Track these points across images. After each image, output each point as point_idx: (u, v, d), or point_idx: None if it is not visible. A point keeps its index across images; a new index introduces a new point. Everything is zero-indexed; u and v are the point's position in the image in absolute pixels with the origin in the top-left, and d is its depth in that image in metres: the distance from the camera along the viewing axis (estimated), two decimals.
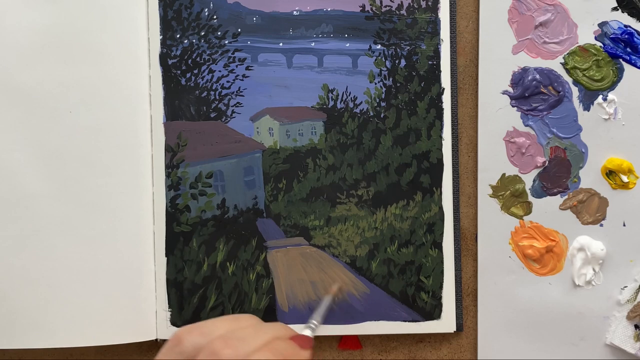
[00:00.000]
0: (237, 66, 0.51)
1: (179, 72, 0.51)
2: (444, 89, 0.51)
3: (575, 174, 0.51)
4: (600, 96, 0.51)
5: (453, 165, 0.51)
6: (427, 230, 0.51)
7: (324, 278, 0.51)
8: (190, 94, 0.51)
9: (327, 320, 0.51)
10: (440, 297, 0.51)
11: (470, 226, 0.52)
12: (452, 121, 0.51)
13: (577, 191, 0.51)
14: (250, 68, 0.51)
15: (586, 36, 0.51)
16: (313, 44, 0.51)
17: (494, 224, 0.51)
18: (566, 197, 0.51)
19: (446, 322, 0.51)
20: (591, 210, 0.51)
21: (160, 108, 0.51)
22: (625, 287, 0.51)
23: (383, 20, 0.51)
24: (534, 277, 0.51)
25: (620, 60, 0.51)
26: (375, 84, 0.51)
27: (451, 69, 0.51)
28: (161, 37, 0.51)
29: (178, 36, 0.51)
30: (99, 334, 0.50)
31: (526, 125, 0.51)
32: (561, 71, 0.51)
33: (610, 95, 0.51)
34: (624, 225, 0.51)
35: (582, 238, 0.51)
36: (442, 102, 0.51)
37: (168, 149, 0.51)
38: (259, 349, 0.33)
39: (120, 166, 0.51)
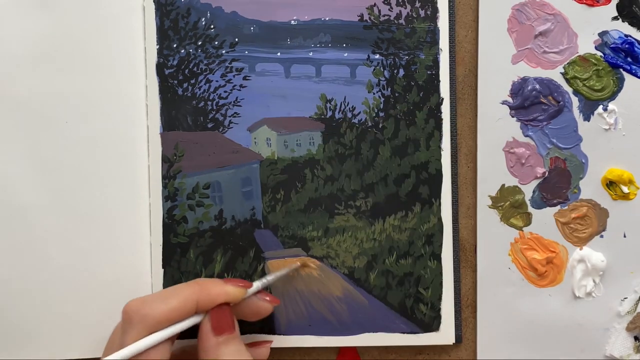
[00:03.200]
0: (234, 76, 0.51)
1: (175, 82, 0.51)
2: (442, 99, 0.51)
3: (576, 185, 0.51)
4: (601, 106, 0.50)
5: (452, 176, 0.51)
6: (426, 241, 0.51)
7: (322, 289, 0.51)
8: (187, 104, 0.51)
9: (325, 332, 0.50)
10: (439, 309, 0.51)
11: (469, 237, 0.52)
12: (451, 131, 0.51)
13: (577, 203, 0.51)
14: (247, 78, 0.51)
15: (586, 46, 0.50)
16: (311, 54, 0.51)
17: (493, 235, 0.51)
18: (566, 208, 0.51)
19: (445, 334, 0.51)
20: None
21: (157, 118, 0.51)
22: (626, 298, 0.51)
23: (381, 29, 0.51)
24: (534, 289, 0.51)
25: (621, 70, 0.50)
26: (374, 94, 0.51)
27: (450, 79, 0.51)
28: (158, 46, 0.50)
29: (175, 46, 0.50)
30: (95, 346, 0.50)
31: (526, 136, 0.51)
32: (561, 81, 0.50)
33: (611, 106, 0.50)
34: (625, 236, 0.51)
35: (582, 249, 0.51)
36: (441, 112, 0.51)
37: (165, 159, 0.51)
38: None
39: (116, 177, 0.50)
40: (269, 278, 0.47)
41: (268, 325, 0.51)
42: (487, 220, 0.51)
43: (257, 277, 0.50)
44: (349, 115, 0.51)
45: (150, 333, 0.38)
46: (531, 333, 0.51)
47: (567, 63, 0.50)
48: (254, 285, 0.45)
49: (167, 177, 0.50)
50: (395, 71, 0.51)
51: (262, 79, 0.51)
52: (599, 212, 0.51)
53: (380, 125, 0.51)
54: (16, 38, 0.49)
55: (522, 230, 0.51)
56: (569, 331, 0.51)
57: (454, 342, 0.51)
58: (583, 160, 0.51)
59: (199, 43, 0.51)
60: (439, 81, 0.51)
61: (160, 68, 0.50)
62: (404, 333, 0.51)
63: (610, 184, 0.51)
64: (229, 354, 0.40)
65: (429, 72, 0.51)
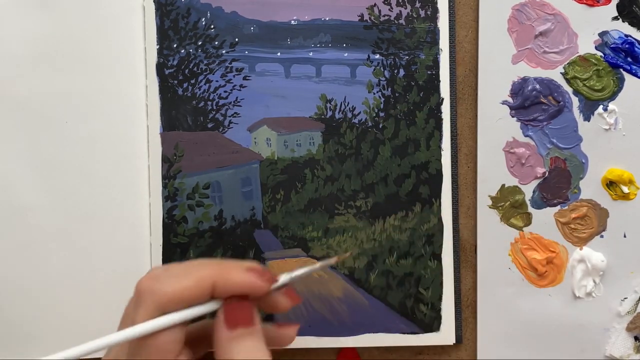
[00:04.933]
0: (234, 76, 0.51)
1: (175, 82, 0.51)
2: (443, 99, 0.51)
3: (576, 185, 0.51)
4: (601, 106, 0.50)
5: (452, 176, 0.51)
6: (426, 241, 0.51)
7: (322, 290, 0.51)
8: (187, 104, 0.51)
9: (325, 332, 0.50)
10: (440, 309, 0.51)
11: (469, 237, 0.51)
12: (452, 131, 0.51)
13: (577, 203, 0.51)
14: (247, 78, 0.51)
15: (586, 46, 0.50)
16: (311, 54, 0.51)
17: (493, 235, 0.51)
18: (566, 208, 0.51)
19: (445, 334, 0.51)
20: None
21: (157, 118, 0.50)
22: (626, 298, 0.51)
23: (382, 29, 0.51)
24: (534, 289, 0.51)
25: (621, 70, 0.50)
26: (374, 94, 0.51)
27: (450, 79, 0.51)
28: (158, 46, 0.50)
29: (175, 46, 0.50)
30: None
31: (526, 136, 0.51)
32: (561, 81, 0.50)
33: (611, 106, 0.50)
34: (625, 236, 0.51)
35: (582, 249, 0.51)
36: (441, 113, 0.51)
37: (165, 159, 0.50)
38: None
39: (116, 177, 0.50)
40: (298, 272, 0.39)
41: None
42: (487, 220, 0.51)
43: None
44: (349, 115, 0.51)
45: (162, 312, 0.35)
46: (531, 333, 0.51)
47: (567, 63, 0.50)
48: (280, 280, 0.38)
49: (167, 177, 0.50)
50: (396, 71, 0.51)
51: (262, 79, 0.51)
52: (599, 212, 0.51)
53: (381, 125, 0.51)
54: (16, 38, 0.49)
55: (522, 230, 0.51)
56: (569, 331, 0.51)
57: (454, 342, 0.51)
58: (583, 160, 0.51)
59: (199, 43, 0.50)
60: (439, 81, 0.51)
61: (160, 68, 0.50)
62: (404, 333, 0.51)
63: (611, 184, 0.50)
64: (244, 352, 0.34)
65: (429, 72, 0.51)
